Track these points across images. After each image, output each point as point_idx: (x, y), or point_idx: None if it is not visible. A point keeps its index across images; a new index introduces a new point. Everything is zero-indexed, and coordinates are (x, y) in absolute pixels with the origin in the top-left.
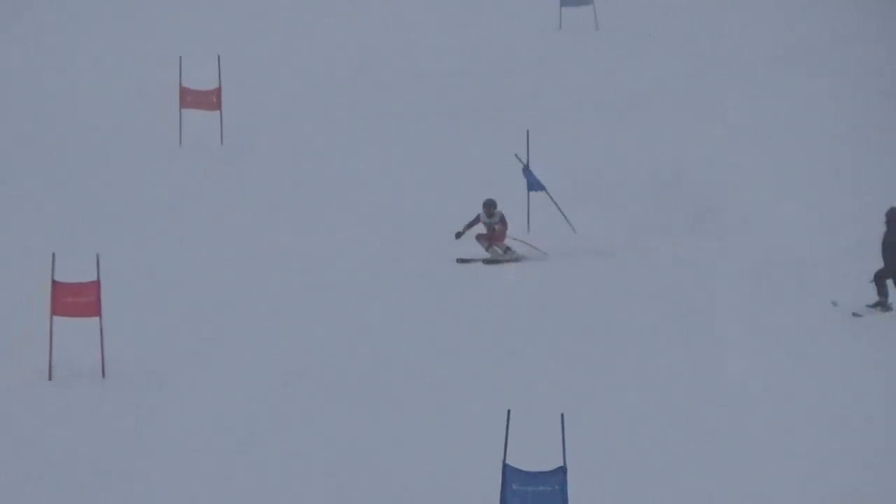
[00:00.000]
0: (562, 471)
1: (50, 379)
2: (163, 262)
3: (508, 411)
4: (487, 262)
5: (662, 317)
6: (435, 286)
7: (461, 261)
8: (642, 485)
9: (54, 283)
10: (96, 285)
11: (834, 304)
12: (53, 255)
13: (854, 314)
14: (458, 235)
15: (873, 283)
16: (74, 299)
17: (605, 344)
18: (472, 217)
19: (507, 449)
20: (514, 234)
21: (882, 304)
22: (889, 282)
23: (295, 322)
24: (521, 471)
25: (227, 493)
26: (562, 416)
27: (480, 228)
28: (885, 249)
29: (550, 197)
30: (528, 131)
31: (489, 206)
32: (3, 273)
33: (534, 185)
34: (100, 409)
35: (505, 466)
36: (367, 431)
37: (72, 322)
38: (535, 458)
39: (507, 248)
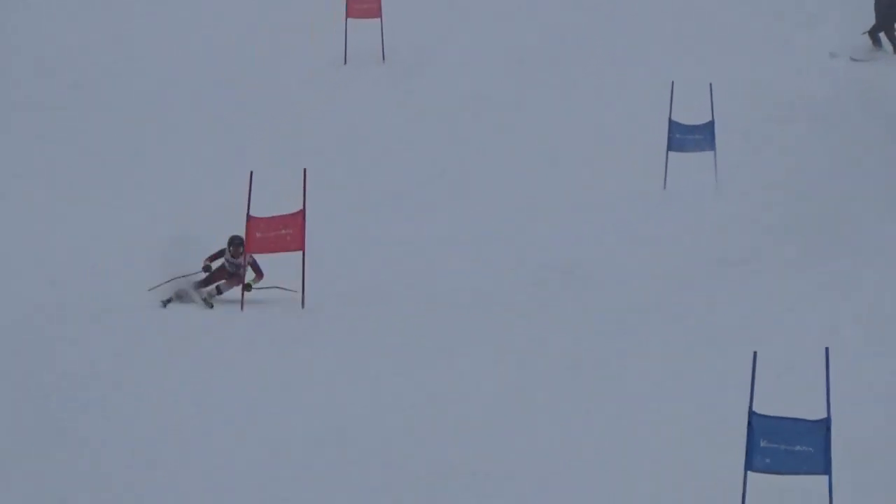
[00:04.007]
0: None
1: None
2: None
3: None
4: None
5: None
6: None
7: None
8: None
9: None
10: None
11: (832, 54)
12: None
13: (852, 59)
14: (206, 269)
15: (867, 36)
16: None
17: None
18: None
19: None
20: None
21: (877, 48)
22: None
23: None
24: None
25: None
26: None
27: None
28: (876, 8)
29: None
30: None
31: (236, 244)
32: None
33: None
34: None
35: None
36: None
37: None
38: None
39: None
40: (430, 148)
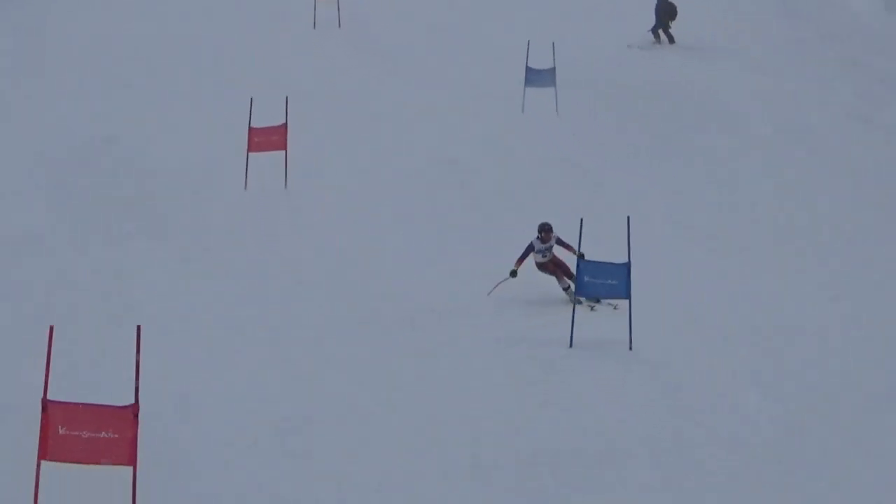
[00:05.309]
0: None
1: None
2: None
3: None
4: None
5: None
6: None
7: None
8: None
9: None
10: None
11: (629, 46)
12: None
13: (639, 48)
14: (514, 273)
15: (650, 33)
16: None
17: None
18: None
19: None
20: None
21: (657, 41)
22: (660, 31)
23: None
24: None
25: None
26: (627, 217)
27: (535, 258)
28: (656, 11)
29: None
30: None
31: (546, 230)
32: None
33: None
34: None
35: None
36: None
37: None
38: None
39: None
40: (362, 82)
